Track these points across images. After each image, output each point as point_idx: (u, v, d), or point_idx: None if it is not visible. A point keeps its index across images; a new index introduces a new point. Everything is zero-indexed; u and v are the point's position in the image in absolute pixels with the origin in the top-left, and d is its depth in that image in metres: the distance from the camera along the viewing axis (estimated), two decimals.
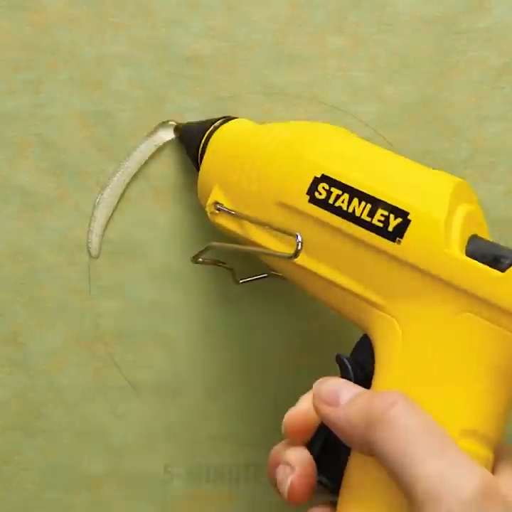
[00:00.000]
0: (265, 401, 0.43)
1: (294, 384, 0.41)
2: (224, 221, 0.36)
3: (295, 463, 0.31)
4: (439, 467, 0.26)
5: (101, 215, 0.41)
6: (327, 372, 0.32)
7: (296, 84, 0.42)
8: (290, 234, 0.33)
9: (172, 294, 0.42)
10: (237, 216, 0.35)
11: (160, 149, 0.42)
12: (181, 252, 0.42)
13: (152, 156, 0.42)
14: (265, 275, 0.41)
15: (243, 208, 0.35)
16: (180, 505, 0.43)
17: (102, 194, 0.42)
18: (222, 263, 0.40)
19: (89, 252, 0.42)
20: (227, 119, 0.40)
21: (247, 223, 0.35)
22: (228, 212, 0.36)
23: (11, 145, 0.42)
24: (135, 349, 0.42)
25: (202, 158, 0.39)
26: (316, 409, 0.31)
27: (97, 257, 0.42)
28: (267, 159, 0.35)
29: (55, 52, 0.42)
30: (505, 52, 0.42)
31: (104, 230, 0.42)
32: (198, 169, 0.39)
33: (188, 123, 0.41)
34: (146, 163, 0.42)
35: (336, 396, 0.30)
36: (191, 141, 0.40)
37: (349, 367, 0.32)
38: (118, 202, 0.42)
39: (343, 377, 0.32)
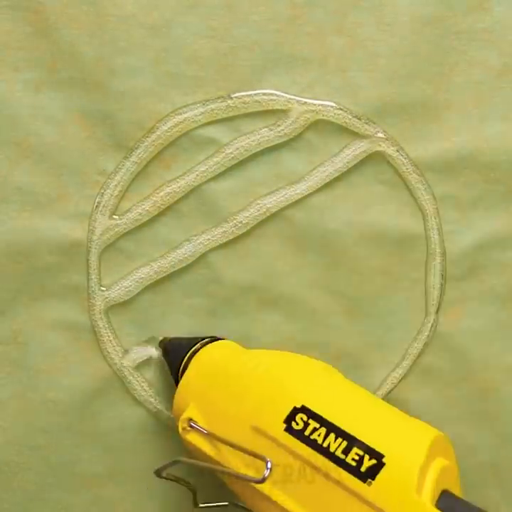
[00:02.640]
0: None
1: None
2: (195, 439, 0.35)
3: None
4: None
5: None
6: None
7: (296, 84, 0.42)
8: (261, 458, 0.32)
9: None
10: (209, 435, 0.35)
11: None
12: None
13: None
14: (226, 503, 0.39)
15: (216, 427, 0.35)
16: (180, 505, 0.43)
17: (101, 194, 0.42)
18: (186, 482, 0.38)
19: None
20: (213, 339, 0.40)
21: (218, 443, 0.34)
22: (201, 430, 0.35)
23: (11, 145, 0.42)
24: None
25: (182, 374, 0.38)
26: None
27: None
28: (248, 382, 0.35)
29: (55, 53, 0.42)
30: (505, 52, 0.42)
31: None
32: (176, 384, 0.39)
33: (173, 338, 0.41)
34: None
35: None
36: (174, 356, 0.40)
37: None
38: None
39: None
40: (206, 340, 0.40)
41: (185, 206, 0.43)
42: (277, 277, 0.42)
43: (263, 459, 0.32)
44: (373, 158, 0.42)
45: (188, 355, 0.39)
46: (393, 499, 0.30)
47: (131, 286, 0.42)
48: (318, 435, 0.32)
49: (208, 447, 0.35)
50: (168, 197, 0.42)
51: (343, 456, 0.31)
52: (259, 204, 0.42)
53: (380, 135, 0.42)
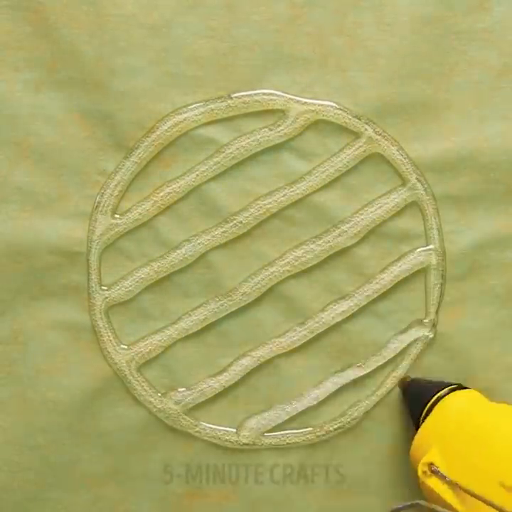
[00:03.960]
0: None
1: None
2: (435, 485, 0.36)
3: None
4: None
5: None
6: None
7: (296, 84, 0.42)
8: None
9: None
10: (452, 484, 0.35)
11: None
12: None
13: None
14: None
15: (460, 477, 0.35)
16: (180, 505, 0.43)
17: (101, 194, 0.42)
18: None
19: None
20: (460, 386, 0.40)
21: (461, 494, 0.34)
22: (443, 476, 0.35)
23: (11, 145, 0.42)
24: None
25: (425, 417, 0.38)
26: None
27: None
28: (499, 437, 0.35)
29: (55, 52, 0.42)
30: (505, 52, 0.42)
31: None
32: (415, 425, 0.39)
33: (416, 379, 0.42)
34: None
35: None
36: (417, 398, 0.40)
37: None
38: None
39: None
40: (453, 386, 0.39)
41: (185, 206, 0.42)
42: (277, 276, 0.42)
43: None
44: (373, 158, 0.42)
45: (433, 399, 0.39)
46: None
47: (131, 286, 0.42)
48: None
49: (451, 496, 0.35)
50: (168, 197, 0.42)
51: None
52: (259, 204, 0.42)
53: (380, 135, 0.42)
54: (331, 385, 0.43)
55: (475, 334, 0.42)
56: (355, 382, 0.43)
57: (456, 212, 0.43)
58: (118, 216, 0.42)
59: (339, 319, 0.43)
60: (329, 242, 0.42)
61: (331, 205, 0.43)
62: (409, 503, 0.35)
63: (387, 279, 0.42)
